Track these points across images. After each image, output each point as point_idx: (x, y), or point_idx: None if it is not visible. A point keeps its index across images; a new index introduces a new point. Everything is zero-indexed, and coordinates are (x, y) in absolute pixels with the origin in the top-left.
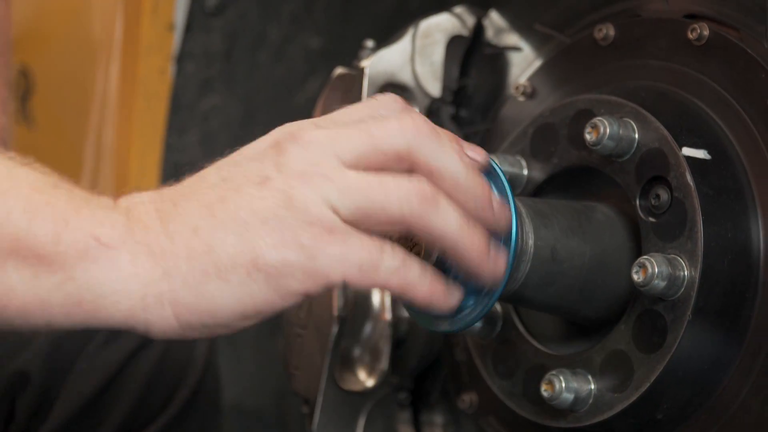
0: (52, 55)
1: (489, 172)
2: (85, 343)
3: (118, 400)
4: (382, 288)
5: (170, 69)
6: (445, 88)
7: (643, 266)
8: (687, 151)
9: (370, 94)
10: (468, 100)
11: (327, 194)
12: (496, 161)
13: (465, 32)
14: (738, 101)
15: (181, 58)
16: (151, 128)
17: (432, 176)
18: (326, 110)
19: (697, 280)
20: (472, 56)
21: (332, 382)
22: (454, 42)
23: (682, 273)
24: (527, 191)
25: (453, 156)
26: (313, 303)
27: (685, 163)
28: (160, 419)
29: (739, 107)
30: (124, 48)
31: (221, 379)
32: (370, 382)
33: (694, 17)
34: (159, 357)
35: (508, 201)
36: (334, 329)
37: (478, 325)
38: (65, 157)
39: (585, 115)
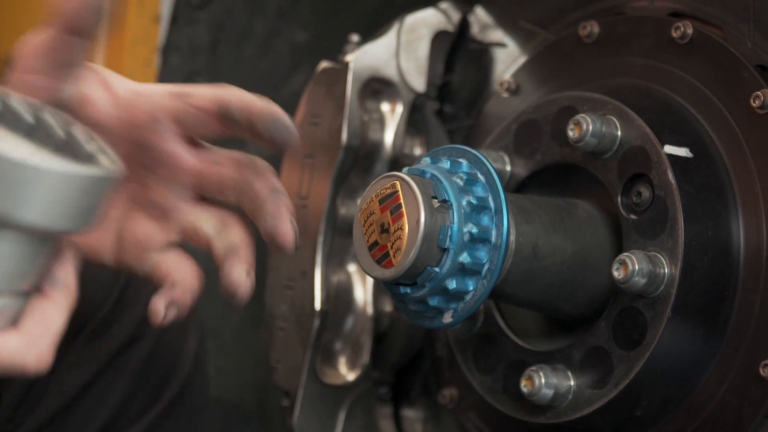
0: None
1: (480, 168)
2: (74, 336)
3: (107, 393)
4: None
5: (156, 61)
6: (430, 83)
7: (623, 263)
8: (669, 149)
9: (355, 89)
10: (452, 96)
11: None
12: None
13: (450, 28)
14: (721, 100)
15: (167, 51)
16: None
17: None
18: (311, 104)
19: (677, 278)
20: (457, 52)
21: (313, 375)
22: (439, 37)
23: (662, 270)
24: (510, 187)
25: None
26: (295, 297)
27: (667, 161)
28: (149, 413)
29: (722, 106)
30: (109, 39)
31: (209, 375)
32: (351, 376)
33: (678, 15)
34: (149, 351)
35: (500, 196)
36: (316, 323)
37: None
38: None
39: (568, 112)
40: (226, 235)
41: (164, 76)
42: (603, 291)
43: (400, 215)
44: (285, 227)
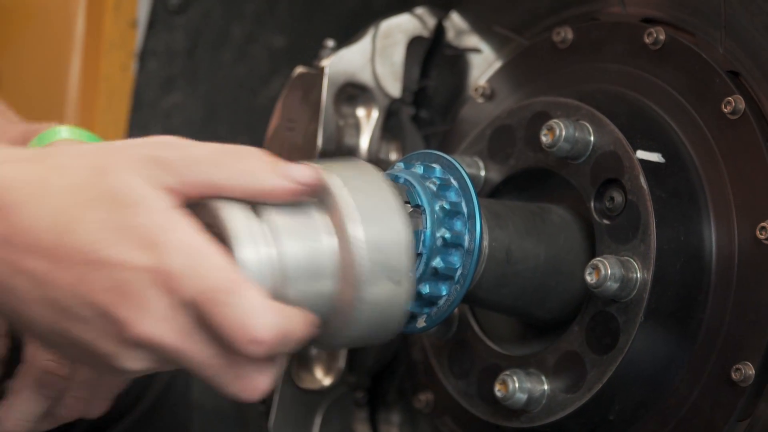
0: (17, 51)
1: (453, 173)
2: None
3: None
4: None
5: (132, 66)
6: (405, 88)
7: (596, 268)
8: (641, 154)
9: (330, 94)
10: (428, 101)
11: None
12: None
13: (426, 33)
14: (692, 105)
15: (144, 56)
16: (113, 125)
17: None
18: (286, 109)
19: (649, 283)
20: (432, 57)
21: (289, 380)
22: (414, 43)
23: (634, 275)
24: (484, 192)
25: None
26: None
27: (639, 167)
28: (130, 416)
29: (694, 111)
30: (86, 44)
31: (191, 378)
32: (327, 381)
33: (650, 21)
34: None
35: (473, 201)
36: None
37: None
38: None
39: (542, 118)
40: None
41: (141, 82)
42: (576, 296)
43: None
44: None
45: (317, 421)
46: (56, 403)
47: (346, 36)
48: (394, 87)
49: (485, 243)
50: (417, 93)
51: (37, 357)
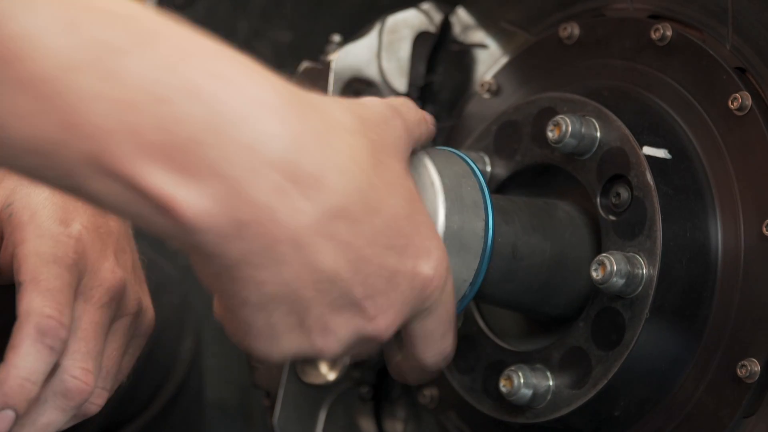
0: None
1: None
2: None
3: None
4: None
5: None
6: (411, 84)
7: (602, 264)
8: (648, 150)
9: (336, 89)
10: (434, 97)
11: None
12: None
13: (432, 28)
14: (699, 102)
15: None
16: None
17: None
18: None
19: (655, 279)
20: (438, 53)
21: (294, 375)
22: (420, 38)
23: (640, 271)
24: (490, 188)
25: None
26: None
27: (645, 163)
28: (145, 415)
29: (700, 108)
30: None
31: (204, 376)
32: (331, 376)
33: (657, 18)
34: (146, 352)
35: (485, 198)
36: None
37: None
38: None
39: (548, 113)
40: None
41: None
42: (582, 291)
43: None
44: None
45: (322, 416)
46: (62, 371)
47: (353, 31)
48: (400, 82)
49: None
50: (423, 88)
51: (33, 305)
